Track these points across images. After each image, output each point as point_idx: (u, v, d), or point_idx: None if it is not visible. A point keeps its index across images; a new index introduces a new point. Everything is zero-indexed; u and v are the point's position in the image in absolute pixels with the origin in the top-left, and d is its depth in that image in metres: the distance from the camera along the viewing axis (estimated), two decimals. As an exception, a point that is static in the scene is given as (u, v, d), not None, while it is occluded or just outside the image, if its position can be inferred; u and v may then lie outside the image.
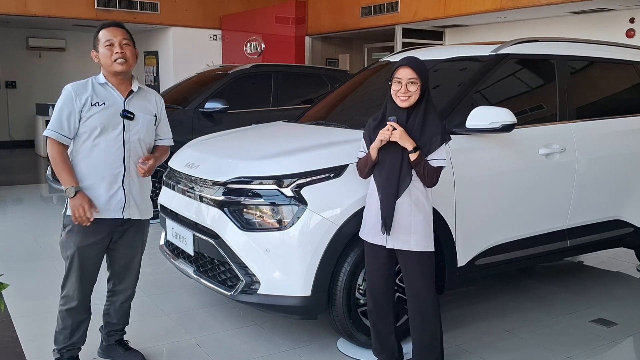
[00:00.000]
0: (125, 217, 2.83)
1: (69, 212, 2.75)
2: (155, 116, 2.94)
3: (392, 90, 2.77)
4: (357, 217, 3.00)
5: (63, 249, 2.82)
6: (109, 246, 2.90)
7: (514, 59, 3.84)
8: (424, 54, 4.03)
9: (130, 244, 2.96)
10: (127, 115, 2.77)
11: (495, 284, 4.43)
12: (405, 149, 2.71)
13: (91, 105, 2.72)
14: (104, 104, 2.74)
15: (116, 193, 2.79)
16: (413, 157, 2.70)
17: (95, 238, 2.79)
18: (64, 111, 2.71)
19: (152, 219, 3.00)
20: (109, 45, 2.73)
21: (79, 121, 2.71)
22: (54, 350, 2.92)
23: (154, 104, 2.95)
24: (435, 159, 2.75)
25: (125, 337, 3.15)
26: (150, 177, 2.94)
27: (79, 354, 2.95)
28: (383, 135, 2.72)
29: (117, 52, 2.72)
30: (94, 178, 2.75)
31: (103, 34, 2.76)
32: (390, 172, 2.75)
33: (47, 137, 2.73)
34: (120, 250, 2.94)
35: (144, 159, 2.79)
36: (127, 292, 3.05)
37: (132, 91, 2.83)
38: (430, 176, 2.74)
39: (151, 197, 6.56)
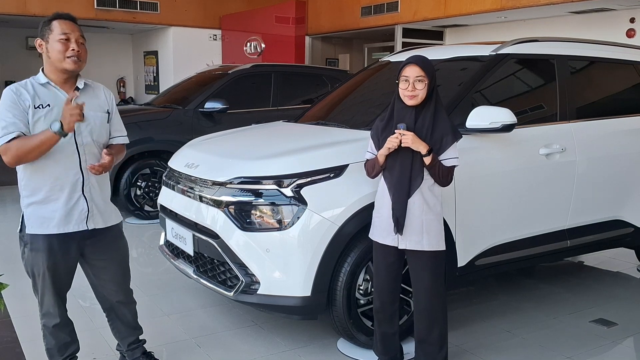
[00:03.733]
0: (90, 228, 2.60)
1: (28, 231, 2.57)
2: (108, 112, 2.68)
3: (399, 89, 2.75)
4: (357, 217, 3.00)
5: (29, 266, 2.62)
6: (83, 262, 2.73)
7: (514, 59, 3.83)
8: (425, 54, 4.02)
9: (106, 258, 2.74)
10: None
11: (495, 284, 4.43)
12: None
13: (35, 108, 2.44)
14: (49, 105, 2.47)
15: (77, 203, 2.55)
16: (427, 160, 2.68)
17: (63, 254, 2.59)
18: (13, 112, 2.42)
19: (150, 218, 2.96)
20: (65, 39, 2.47)
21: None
22: None
23: (104, 99, 2.69)
24: (448, 158, 2.74)
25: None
26: (108, 179, 2.73)
27: None
28: (391, 143, 2.69)
29: (73, 49, 2.47)
30: (50, 190, 2.52)
31: (59, 25, 2.49)
32: (402, 173, 2.74)
33: (2, 145, 2.39)
34: (98, 264, 2.73)
35: (104, 153, 2.53)
36: (117, 298, 2.84)
37: (77, 88, 2.57)
38: (445, 176, 2.74)
39: (151, 196, 6.54)
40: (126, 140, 2.82)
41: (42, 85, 2.54)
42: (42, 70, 2.58)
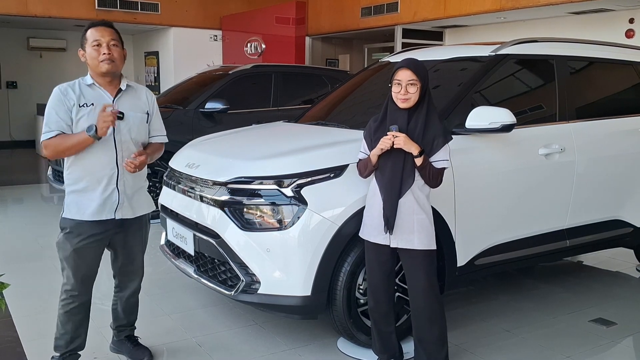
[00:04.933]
0: (117, 218, 2.80)
1: (65, 215, 2.75)
2: (147, 113, 2.88)
3: (392, 92, 2.79)
4: (357, 217, 3.01)
5: (60, 250, 2.80)
6: (111, 246, 2.91)
7: (513, 59, 3.84)
8: (424, 54, 4.03)
9: (131, 244, 2.95)
10: (117, 115, 2.68)
11: (495, 284, 4.44)
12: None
13: (79, 107, 2.66)
14: (92, 104, 2.68)
15: (111, 195, 2.75)
16: (419, 161, 2.71)
17: (92, 239, 2.77)
18: (57, 110, 2.65)
19: (152, 218, 3.03)
20: (97, 45, 2.67)
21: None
22: (53, 358, 2.89)
23: (145, 100, 2.89)
24: (439, 160, 2.77)
25: (136, 333, 3.19)
26: (145, 171, 2.92)
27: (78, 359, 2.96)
28: (384, 144, 2.72)
29: (104, 54, 2.66)
30: (89, 181, 2.72)
31: (91, 34, 2.69)
32: (393, 173, 2.76)
33: (44, 140, 2.63)
34: (123, 251, 2.94)
35: (136, 154, 2.73)
36: (133, 286, 3.06)
37: (120, 90, 2.77)
38: (435, 178, 2.77)
39: (152, 196, 6.54)
40: (165, 140, 3.02)
41: (88, 85, 2.75)
42: (89, 73, 2.78)
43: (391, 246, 2.83)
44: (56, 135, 2.64)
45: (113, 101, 2.73)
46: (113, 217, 2.79)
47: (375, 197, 2.84)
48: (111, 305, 3.13)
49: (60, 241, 2.80)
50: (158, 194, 3.96)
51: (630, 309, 4.04)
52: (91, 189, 2.73)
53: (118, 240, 2.90)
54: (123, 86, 2.79)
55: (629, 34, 7.82)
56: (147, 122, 2.88)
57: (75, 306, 2.83)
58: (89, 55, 2.70)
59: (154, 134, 2.95)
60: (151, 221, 3.09)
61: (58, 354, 2.88)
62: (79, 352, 2.94)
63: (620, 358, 3.40)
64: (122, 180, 2.77)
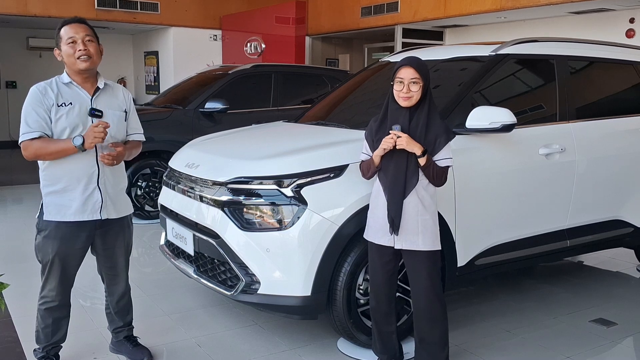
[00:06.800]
0: (103, 218, 2.78)
1: (45, 217, 2.72)
2: (125, 112, 2.87)
3: (394, 90, 2.77)
4: (357, 217, 3.00)
5: (39, 253, 2.78)
6: (94, 249, 2.89)
7: (514, 59, 3.84)
8: (424, 54, 4.02)
9: (113, 246, 2.92)
10: (95, 113, 2.69)
11: (495, 284, 4.43)
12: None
13: (58, 106, 2.64)
14: (71, 104, 2.67)
15: (92, 194, 2.73)
16: (422, 161, 2.70)
17: (74, 243, 2.76)
18: (37, 110, 2.62)
19: (151, 218, 3.02)
20: (72, 42, 2.65)
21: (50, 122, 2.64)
22: (36, 350, 2.93)
23: (122, 99, 2.88)
24: (442, 158, 2.76)
25: (135, 333, 3.19)
26: (124, 171, 2.91)
27: (59, 352, 2.98)
28: (386, 144, 2.71)
29: (80, 50, 2.65)
30: (68, 180, 2.69)
31: (65, 31, 2.68)
32: (397, 173, 2.75)
33: (24, 141, 2.60)
34: (104, 253, 2.92)
35: (112, 145, 2.69)
36: (119, 290, 3.03)
37: (98, 88, 2.76)
38: (439, 177, 2.76)
39: (152, 196, 6.52)
40: (142, 138, 2.99)
41: (65, 84, 2.72)
42: (66, 71, 2.76)
43: (395, 247, 2.81)
44: (38, 137, 2.61)
45: (91, 100, 2.72)
46: (99, 218, 2.76)
47: (379, 198, 2.82)
48: (105, 310, 3.13)
49: (39, 244, 2.77)
50: (158, 194, 3.96)
51: (630, 309, 4.04)
52: (71, 189, 2.70)
53: (100, 243, 2.88)
54: (101, 84, 2.77)
55: (630, 33, 7.82)
56: (125, 121, 2.87)
57: (55, 305, 2.84)
58: (65, 53, 2.68)
59: (131, 132, 2.93)
60: (151, 221, 3.08)
61: (40, 347, 2.91)
62: (61, 345, 2.96)
63: (621, 358, 3.40)
64: (102, 179, 2.75)
